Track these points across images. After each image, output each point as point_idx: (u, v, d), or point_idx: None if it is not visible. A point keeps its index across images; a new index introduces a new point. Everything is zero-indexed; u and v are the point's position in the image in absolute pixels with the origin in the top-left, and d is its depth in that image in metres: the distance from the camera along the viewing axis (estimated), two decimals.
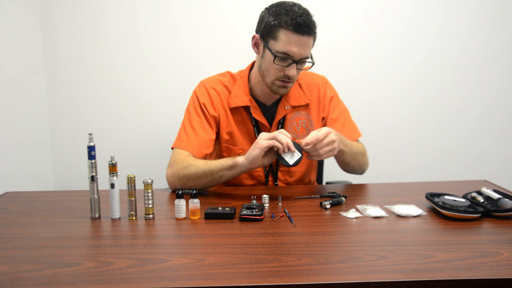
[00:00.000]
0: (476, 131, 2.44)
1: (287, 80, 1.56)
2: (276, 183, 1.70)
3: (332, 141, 1.45)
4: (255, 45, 1.62)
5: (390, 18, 2.35)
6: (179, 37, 2.32)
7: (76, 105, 2.37)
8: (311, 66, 1.59)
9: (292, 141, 1.43)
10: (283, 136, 1.41)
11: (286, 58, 1.52)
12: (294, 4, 1.54)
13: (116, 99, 2.37)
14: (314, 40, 1.57)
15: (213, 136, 1.66)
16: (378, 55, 2.37)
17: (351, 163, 1.65)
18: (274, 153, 1.45)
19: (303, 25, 1.48)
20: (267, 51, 1.55)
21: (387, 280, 0.90)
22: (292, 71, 1.53)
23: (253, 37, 1.62)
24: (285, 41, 1.50)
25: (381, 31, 2.36)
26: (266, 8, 1.58)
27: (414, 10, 2.35)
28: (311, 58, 1.58)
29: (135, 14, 2.30)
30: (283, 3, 1.55)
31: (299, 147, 1.45)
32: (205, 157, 1.63)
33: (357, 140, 1.73)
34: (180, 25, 2.32)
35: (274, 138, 1.41)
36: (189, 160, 1.55)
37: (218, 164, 1.49)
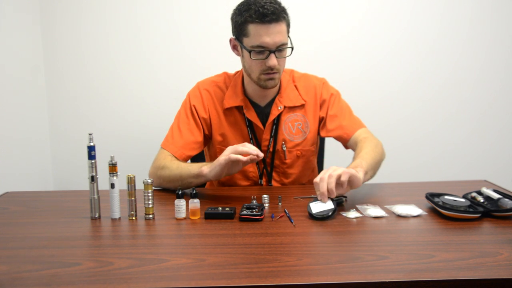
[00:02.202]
0: (476, 131, 2.44)
1: (271, 71, 1.55)
2: (270, 184, 1.70)
3: (334, 170, 1.31)
4: (234, 47, 1.62)
5: (391, 18, 2.35)
6: (179, 37, 2.32)
7: (76, 104, 2.37)
8: (291, 52, 1.56)
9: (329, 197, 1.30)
10: (241, 149, 1.37)
11: (262, 51, 1.52)
12: None
13: (116, 99, 2.37)
14: (288, 25, 1.54)
15: (200, 139, 1.66)
16: (378, 55, 2.37)
17: (375, 169, 1.53)
18: (242, 163, 1.42)
19: (268, 13, 1.47)
20: (244, 50, 1.55)
21: (387, 280, 0.90)
22: (271, 61, 1.52)
23: (230, 40, 1.62)
24: (255, 34, 1.50)
25: (381, 31, 2.36)
26: (234, 9, 1.57)
27: (415, 10, 2.35)
28: (290, 42, 1.56)
29: (135, 14, 2.31)
30: None
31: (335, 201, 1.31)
32: (189, 158, 1.65)
33: (357, 131, 1.65)
34: (180, 25, 2.32)
35: (232, 151, 1.38)
36: (166, 162, 1.57)
37: (187, 170, 1.51)
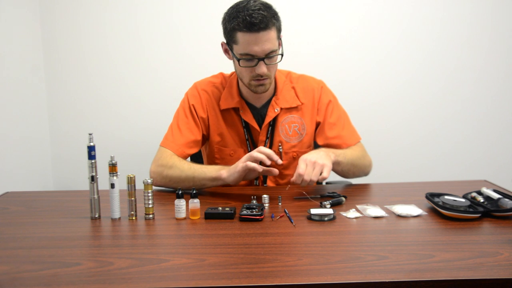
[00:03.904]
0: (476, 131, 2.45)
1: (261, 78, 1.54)
2: (265, 184, 1.70)
3: (313, 163, 1.43)
4: (225, 51, 1.62)
5: (391, 19, 2.35)
6: (179, 37, 2.32)
7: (76, 104, 2.37)
8: (281, 59, 1.55)
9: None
10: (256, 154, 1.41)
11: (251, 59, 1.51)
12: (249, 1, 1.49)
13: (116, 99, 2.37)
14: (279, 30, 1.53)
15: (199, 138, 1.67)
16: (377, 56, 2.37)
17: (350, 170, 1.63)
18: (258, 172, 1.44)
19: (256, 22, 1.44)
20: (234, 56, 1.55)
21: (387, 280, 0.90)
22: (261, 69, 1.51)
23: (222, 44, 1.62)
24: (243, 42, 1.48)
25: (381, 32, 2.36)
26: (224, 13, 1.56)
27: (415, 10, 2.35)
28: (281, 48, 1.55)
29: (135, 14, 2.31)
30: (238, 3, 1.52)
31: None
32: (188, 157, 1.65)
33: (355, 144, 1.71)
34: (180, 25, 2.32)
35: (249, 157, 1.41)
36: (174, 161, 1.56)
37: (202, 172, 1.51)
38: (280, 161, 1.43)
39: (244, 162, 1.42)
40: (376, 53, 2.37)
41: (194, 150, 1.67)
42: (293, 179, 1.43)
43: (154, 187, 1.29)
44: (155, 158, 1.62)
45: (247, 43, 1.48)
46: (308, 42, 2.32)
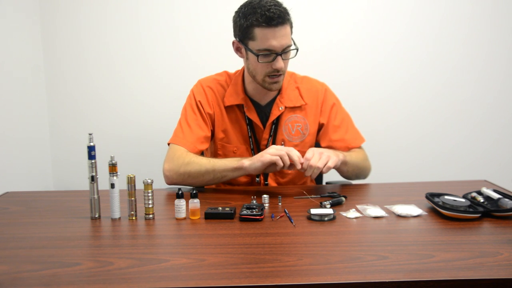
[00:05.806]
0: (476, 131, 2.44)
1: (276, 74, 1.56)
2: (266, 183, 1.70)
3: (320, 153, 1.47)
4: (237, 49, 1.63)
5: (391, 18, 2.35)
6: (179, 37, 2.32)
7: (76, 104, 2.37)
8: (296, 53, 1.58)
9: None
10: (287, 158, 1.43)
11: (269, 54, 1.53)
12: None
13: (116, 99, 2.37)
14: (291, 26, 1.56)
15: (208, 133, 1.68)
16: (378, 56, 2.37)
17: (354, 172, 1.66)
18: (279, 168, 1.46)
19: (274, 17, 1.48)
20: (250, 53, 1.56)
21: (387, 280, 0.90)
22: (278, 63, 1.53)
23: (233, 43, 1.63)
24: (262, 38, 1.51)
25: (381, 32, 2.36)
26: (236, 12, 1.58)
27: (415, 11, 2.35)
28: (294, 44, 1.57)
29: (135, 13, 2.31)
30: (250, 1, 1.54)
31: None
32: (200, 152, 1.65)
33: (360, 146, 1.73)
34: (180, 25, 2.32)
35: (279, 155, 1.43)
36: (190, 157, 1.56)
37: (223, 164, 1.52)
38: (299, 167, 1.44)
39: (273, 155, 1.43)
40: (375, 54, 2.37)
41: (205, 146, 1.67)
42: (302, 166, 1.45)
43: (154, 187, 1.29)
44: (168, 157, 1.60)
45: (266, 38, 1.50)
46: (308, 41, 2.32)
